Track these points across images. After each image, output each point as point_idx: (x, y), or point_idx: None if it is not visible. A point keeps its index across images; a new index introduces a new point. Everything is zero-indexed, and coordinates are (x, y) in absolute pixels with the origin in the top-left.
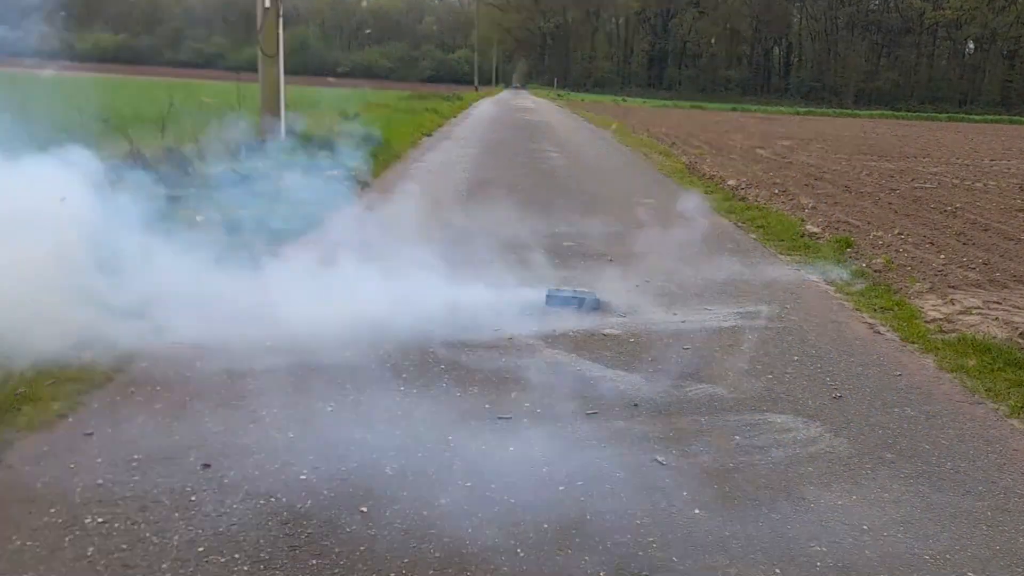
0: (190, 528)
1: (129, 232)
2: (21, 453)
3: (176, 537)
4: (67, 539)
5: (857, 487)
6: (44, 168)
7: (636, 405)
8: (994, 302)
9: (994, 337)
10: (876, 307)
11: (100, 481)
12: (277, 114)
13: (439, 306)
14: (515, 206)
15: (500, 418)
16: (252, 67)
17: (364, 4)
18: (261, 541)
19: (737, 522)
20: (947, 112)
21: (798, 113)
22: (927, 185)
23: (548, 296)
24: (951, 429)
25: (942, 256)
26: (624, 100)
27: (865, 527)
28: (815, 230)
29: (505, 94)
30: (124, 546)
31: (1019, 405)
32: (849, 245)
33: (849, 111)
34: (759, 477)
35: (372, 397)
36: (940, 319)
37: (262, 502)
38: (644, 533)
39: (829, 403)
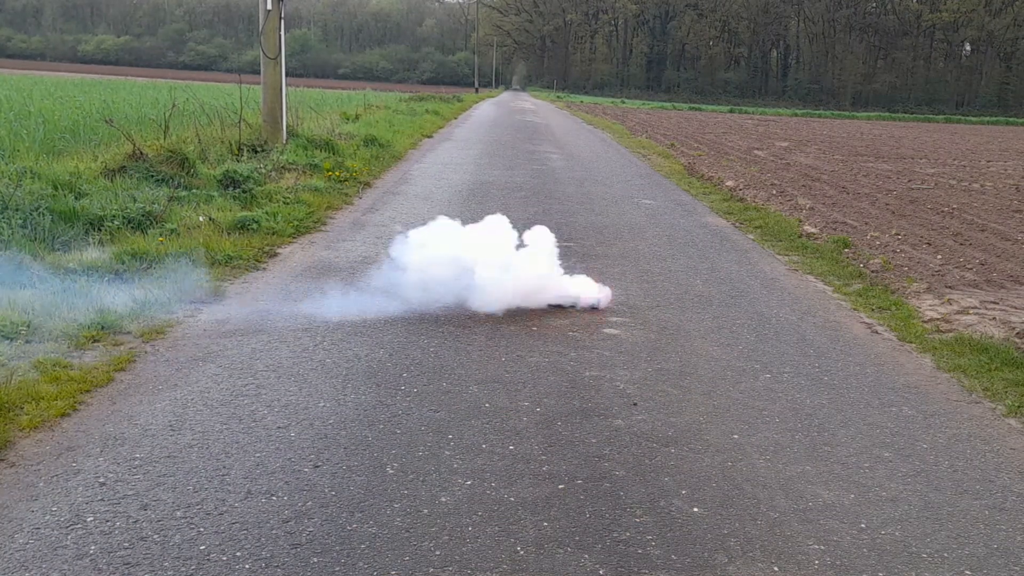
0: (191, 526)
1: None
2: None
3: (178, 535)
4: (69, 537)
5: (855, 485)
6: None
7: (635, 404)
8: (991, 302)
9: (991, 337)
10: (874, 307)
11: (102, 480)
12: (279, 116)
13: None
14: (516, 207)
15: (500, 413)
16: (253, 69)
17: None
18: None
19: (736, 520)
20: (944, 114)
21: (796, 115)
22: (924, 186)
23: None
24: (949, 428)
25: (939, 256)
26: (623, 102)
27: (863, 525)
28: (813, 230)
29: (505, 96)
30: (126, 544)
31: (1016, 404)
32: (847, 245)
33: (846, 113)
34: (757, 476)
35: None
36: (937, 319)
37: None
38: (643, 531)
39: (827, 402)
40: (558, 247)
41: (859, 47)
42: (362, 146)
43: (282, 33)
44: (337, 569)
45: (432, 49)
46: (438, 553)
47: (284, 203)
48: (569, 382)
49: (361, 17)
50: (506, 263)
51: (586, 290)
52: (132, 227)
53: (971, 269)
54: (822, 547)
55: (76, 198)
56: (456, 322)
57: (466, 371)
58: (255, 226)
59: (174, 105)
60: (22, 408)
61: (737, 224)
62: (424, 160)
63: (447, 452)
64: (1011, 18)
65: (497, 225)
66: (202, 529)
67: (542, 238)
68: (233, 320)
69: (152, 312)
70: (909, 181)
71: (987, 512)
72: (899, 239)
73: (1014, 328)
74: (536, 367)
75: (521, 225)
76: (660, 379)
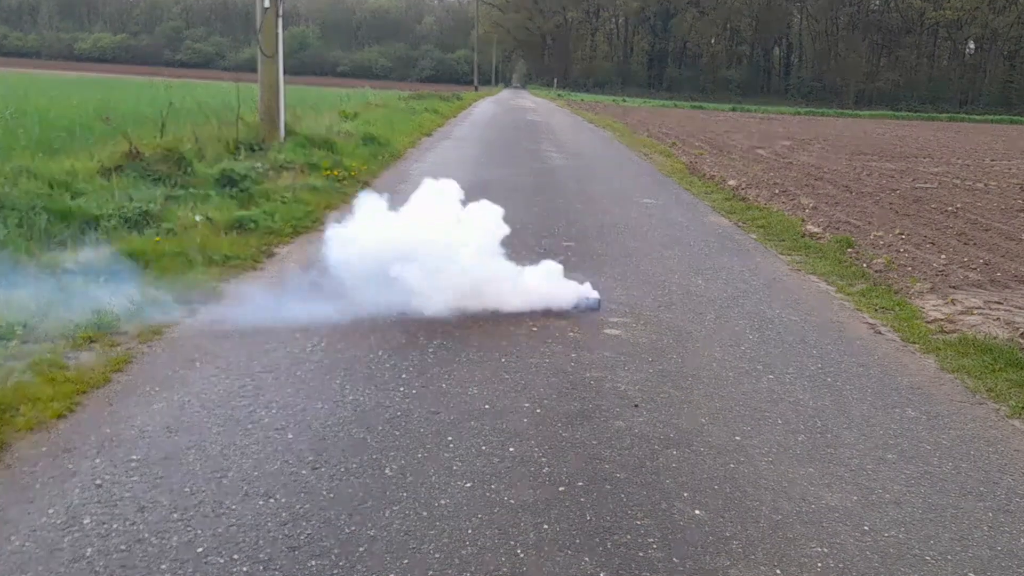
0: (188, 528)
1: None
2: (20, 453)
3: (175, 538)
4: (65, 540)
5: (858, 488)
6: None
7: (636, 405)
8: (995, 302)
9: (995, 337)
10: (877, 307)
11: (99, 482)
12: (277, 114)
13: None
14: (516, 207)
15: (500, 414)
16: (251, 67)
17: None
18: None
19: (738, 522)
20: (948, 112)
21: (798, 113)
22: (928, 185)
23: None
24: (952, 430)
25: (943, 256)
26: (624, 100)
27: (866, 527)
28: (815, 230)
29: (505, 94)
30: (123, 547)
31: (1020, 406)
32: (850, 245)
33: (849, 111)
34: (760, 478)
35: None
36: (941, 319)
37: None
38: (644, 533)
39: (830, 404)
40: (559, 247)
41: (862, 45)
42: (361, 145)
43: (280, 31)
44: (335, 572)
45: (431, 47)
46: (437, 556)
47: (282, 202)
48: (570, 383)
49: (360, 14)
50: (440, 255)
51: (555, 287)
52: (129, 226)
53: (975, 269)
54: (825, 550)
55: (72, 197)
56: (455, 322)
57: (465, 372)
58: (252, 225)
59: (171, 103)
60: (18, 409)
61: (739, 223)
62: (424, 159)
63: (446, 454)
64: (1015, 16)
65: (437, 200)
66: (199, 531)
67: (483, 215)
68: (230, 321)
69: (149, 313)
70: (913, 180)
71: (991, 514)
72: (903, 239)
73: (1018, 328)
74: (536, 367)
75: (522, 225)
76: (662, 380)
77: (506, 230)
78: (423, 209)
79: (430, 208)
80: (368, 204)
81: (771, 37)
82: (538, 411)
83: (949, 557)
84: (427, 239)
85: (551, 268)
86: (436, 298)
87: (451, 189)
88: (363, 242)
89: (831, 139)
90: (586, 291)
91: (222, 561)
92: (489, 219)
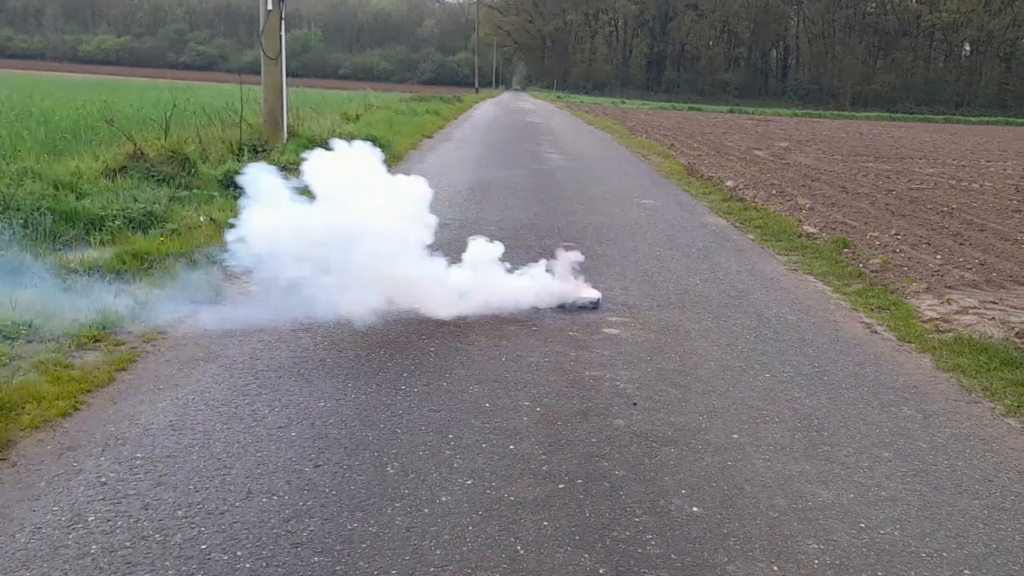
0: (192, 525)
1: None
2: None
3: (179, 535)
4: (70, 537)
5: (854, 485)
6: None
7: (635, 404)
8: (990, 302)
9: (990, 337)
10: (873, 307)
11: (103, 480)
12: (280, 116)
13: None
14: (516, 207)
15: (500, 413)
16: (254, 69)
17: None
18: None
19: (735, 519)
20: (943, 114)
21: (795, 115)
22: (923, 186)
23: None
24: (948, 428)
25: (939, 256)
26: (623, 102)
27: (862, 525)
28: (812, 230)
29: (505, 96)
30: (127, 544)
31: (1015, 404)
32: (846, 245)
33: (846, 113)
34: (757, 475)
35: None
36: (937, 319)
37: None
38: (643, 530)
39: (826, 402)
40: (558, 248)
41: (859, 47)
42: None
43: (283, 33)
44: (338, 568)
45: (432, 49)
46: (438, 552)
47: None
48: (569, 382)
49: (361, 17)
50: (340, 254)
51: (496, 284)
52: (133, 227)
53: (970, 269)
54: (821, 546)
55: (77, 198)
56: (456, 322)
57: (466, 371)
58: None
59: (175, 105)
60: (23, 408)
61: (737, 224)
62: (424, 160)
63: (447, 451)
64: (1010, 18)
65: (345, 172)
66: (203, 528)
67: (402, 192)
68: (234, 320)
69: (153, 312)
70: (909, 181)
71: (986, 512)
72: (898, 239)
73: (1013, 328)
74: (536, 367)
75: (522, 225)
76: (660, 379)
77: (432, 219)
78: (326, 186)
79: (334, 184)
80: (263, 185)
81: (768, 40)
82: (538, 409)
83: (944, 554)
84: (326, 226)
85: (485, 254)
86: (343, 303)
87: (366, 154)
88: (269, 235)
89: (828, 140)
90: (547, 285)
91: (226, 558)
92: (411, 196)
